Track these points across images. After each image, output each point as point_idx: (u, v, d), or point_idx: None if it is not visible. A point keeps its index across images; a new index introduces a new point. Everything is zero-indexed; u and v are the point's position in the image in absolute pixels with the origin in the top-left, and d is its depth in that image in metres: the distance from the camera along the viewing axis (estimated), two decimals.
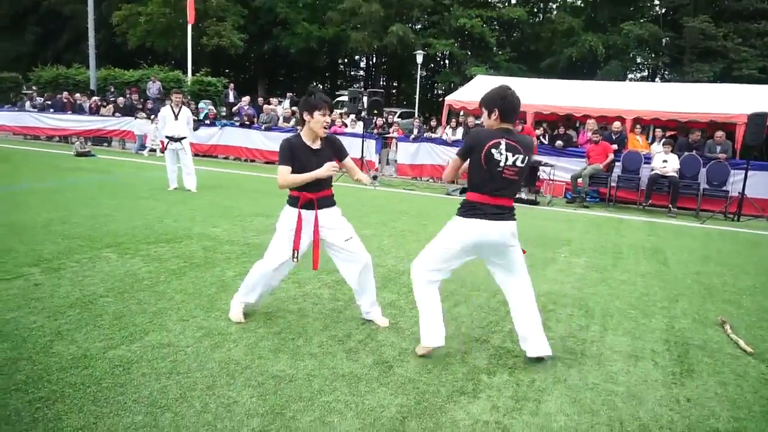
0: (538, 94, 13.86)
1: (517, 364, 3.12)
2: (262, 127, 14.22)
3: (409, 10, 29.38)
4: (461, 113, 14.10)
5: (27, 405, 2.40)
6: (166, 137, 8.87)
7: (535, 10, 32.90)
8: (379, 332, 3.46)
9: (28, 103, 18.15)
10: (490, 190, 2.96)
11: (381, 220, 7.30)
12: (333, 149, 3.42)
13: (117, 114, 16.16)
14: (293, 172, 3.27)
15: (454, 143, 12.01)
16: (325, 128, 3.33)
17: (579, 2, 31.03)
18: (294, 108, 15.08)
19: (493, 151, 2.90)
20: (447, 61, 33.65)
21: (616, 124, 11.41)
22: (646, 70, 31.46)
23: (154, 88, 17.94)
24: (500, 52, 29.06)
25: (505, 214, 2.99)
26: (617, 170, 10.59)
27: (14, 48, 31.30)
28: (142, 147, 15.13)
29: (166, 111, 8.94)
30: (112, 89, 18.69)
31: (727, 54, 23.30)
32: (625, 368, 3.17)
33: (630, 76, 30.27)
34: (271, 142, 13.81)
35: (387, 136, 13.86)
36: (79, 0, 27.48)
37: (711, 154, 10.23)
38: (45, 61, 23.37)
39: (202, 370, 2.81)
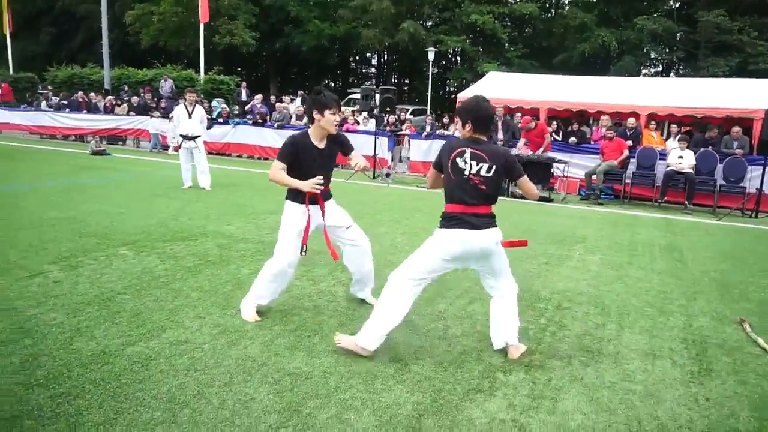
0: (551, 90, 13.77)
1: (533, 363, 3.11)
2: (275, 126, 14.27)
3: (420, 6, 29.33)
4: None
5: (49, 400, 2.44)
6: (180, 136, 8.95)
7: (547, 5, 32.59)
8: (394, 330, 3.45)
9: (44, 103, 18.41)
10: (464, 200, 2.93)
11: (394, 218, 7.30)
12: (338, 146, 3.51)
13: (131, 113, 16.32)
14: (295, 169, 3.36)
15: None
16: (335, 126, 3.37)
17: None
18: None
19: (458, 160, 2.93)
20: (459, 58, 33.44)
21: (631, 120, 11.28)
22: (660, 66, 31.11)
23: (166, 86, 18.07)
24: (512, 49, 28.83)
25: (484, 222, 2.94)
26: (632, 167, 10.48)
27: (29, 48, 31.65)
28: (157, 146, 15.26)
29: (180, 110, 9.02)
30: (126, 88, 18.88)
31: (743, 48, 22.94)
32: (643, 367, 3.14)
33: (644, 71, 29.91)
34: (284, 140, 13.80)
35: (399, 133, 13.84)
36: (93, 0, 27.82)
37: (727, 150, 10.09)
38: (60, 61, 23.63)
39: (219, 367, 2.83)
